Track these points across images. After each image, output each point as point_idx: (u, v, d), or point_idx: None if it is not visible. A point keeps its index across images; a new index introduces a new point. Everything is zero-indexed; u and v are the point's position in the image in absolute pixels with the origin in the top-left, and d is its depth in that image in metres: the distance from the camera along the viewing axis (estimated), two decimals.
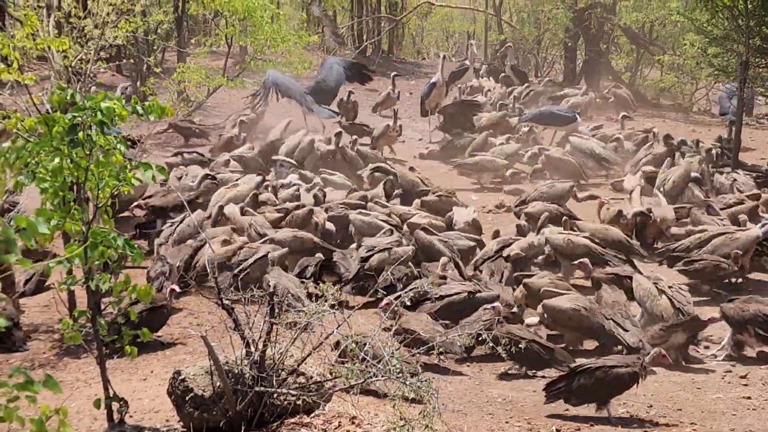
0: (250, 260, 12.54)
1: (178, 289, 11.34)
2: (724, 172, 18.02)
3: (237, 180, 16.94)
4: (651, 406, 9.19)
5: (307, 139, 19.62)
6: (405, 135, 23.23)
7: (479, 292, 11.61)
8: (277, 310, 7.62)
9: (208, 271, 10.02)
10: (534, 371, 10.29)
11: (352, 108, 23.86)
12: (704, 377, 10.16)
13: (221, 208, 14.97)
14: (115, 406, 7.63)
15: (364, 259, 12.80)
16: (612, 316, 10.88)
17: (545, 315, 11.07)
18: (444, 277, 12.22)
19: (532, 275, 12.40)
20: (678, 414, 9.00)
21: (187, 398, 7.60)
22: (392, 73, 26.22)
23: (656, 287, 11.38)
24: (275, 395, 7.48)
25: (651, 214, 15.00)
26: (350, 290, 12.41)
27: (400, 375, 7.18)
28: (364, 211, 14.99)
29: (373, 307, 11.43)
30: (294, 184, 16.77)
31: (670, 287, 11.43)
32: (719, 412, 9.07)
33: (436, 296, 11.34)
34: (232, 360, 7.55)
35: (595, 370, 8.96)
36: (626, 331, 10.74)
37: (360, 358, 7.45)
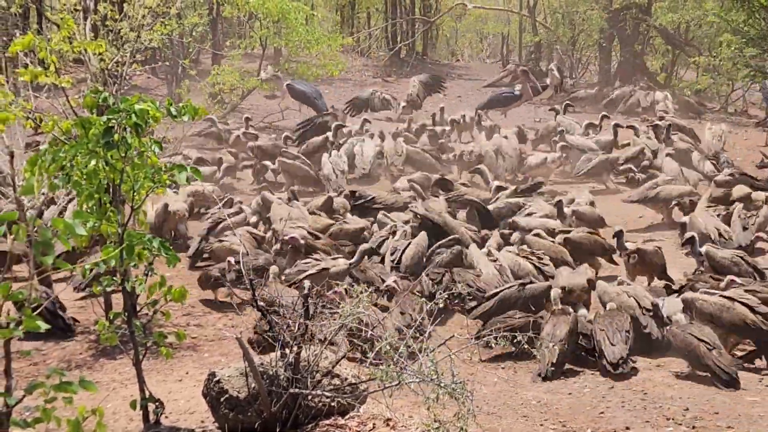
0: (311, 271, 12.50)
1: None
2: None
3: None
4: (687, 409, 9.11)
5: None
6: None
7: (530, 283, 11.63)
8: (311, 312, 7.64)
9: (243, 272, 10.04)
10: None
11: None
12: (741, 381, 10.07)
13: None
14: (151, 407, 7.67)
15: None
16: (605, 326, 10.56)
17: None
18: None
19: None
20: (715, 417, 8.92)
21: (222, 399, 7.62)
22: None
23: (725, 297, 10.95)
24: (310, 397, 7.49)
25: None
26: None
27: (435, 377, 7.16)
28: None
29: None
30: None
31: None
32: (756, 416, 8.99)
33: (488, 294, 11.44)
34: (266, 361, 7.57)
35: None
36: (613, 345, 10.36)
37: (395, 359, 7.43)
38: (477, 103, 24.88)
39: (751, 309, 10.65)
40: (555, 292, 11.09)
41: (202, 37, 28.46)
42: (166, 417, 8.08)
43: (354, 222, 14.90)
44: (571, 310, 10.89)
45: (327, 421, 7.53)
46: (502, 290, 11.53)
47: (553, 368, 10.14)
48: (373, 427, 7.48)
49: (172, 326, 10.02)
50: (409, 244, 13.33)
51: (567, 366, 10.47)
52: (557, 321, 10.62)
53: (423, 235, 13.62)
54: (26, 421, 5.18)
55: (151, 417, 7.70)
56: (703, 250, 13.01)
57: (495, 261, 12.94)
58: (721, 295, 10.95)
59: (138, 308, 7.85)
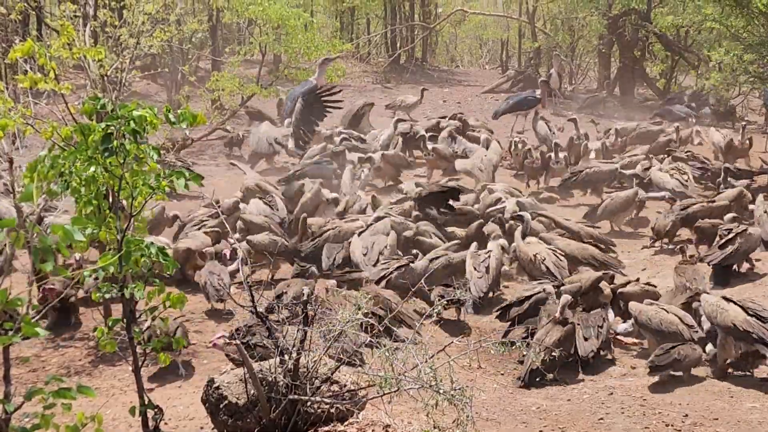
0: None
1: None
2: None
3: None
4: (686, 415, 9.11)
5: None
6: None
7: (562, 285, 11.72)
8: (311, 318, 7.63)
9: (242, 276, 10.04)
10: None
11: None
12: (740, 386, 10.07)
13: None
14: (150, 413, 7.66)
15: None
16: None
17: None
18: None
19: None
20: (714, 423, 8.92)
21: (221, 406, 7.63)
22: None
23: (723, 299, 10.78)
24: (309, 403, 7.48)
25: None
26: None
27: (434, 383, 7.16)
28: None
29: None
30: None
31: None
32: (755, 421, 8.99)
33: (518, 299, 11.59)
34: (266, 368, 7.57)
35: None
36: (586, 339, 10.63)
37: (393, 366, 7.42)
38: (477, 108, 24.78)
39: (747, 311, 10.46)
40: (564, 299, 10.94)
41: (201, 43, 28.47)
42: (166, 423, 8.08)
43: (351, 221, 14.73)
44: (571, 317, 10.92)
45: (326, 428, 7.53)
46: (535, 293, 11.57)
47: (531, 374, 10.21)
48: None
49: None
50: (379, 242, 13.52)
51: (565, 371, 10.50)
52: (551, 328, 10.62)
53: (393, 235, 13.75)
54: (25, 427, 5.18)
55: (151, 423, 7.68)
56: None
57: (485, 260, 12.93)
58: (723, 297, 10.87)
59: (137, 315, 7.86)
